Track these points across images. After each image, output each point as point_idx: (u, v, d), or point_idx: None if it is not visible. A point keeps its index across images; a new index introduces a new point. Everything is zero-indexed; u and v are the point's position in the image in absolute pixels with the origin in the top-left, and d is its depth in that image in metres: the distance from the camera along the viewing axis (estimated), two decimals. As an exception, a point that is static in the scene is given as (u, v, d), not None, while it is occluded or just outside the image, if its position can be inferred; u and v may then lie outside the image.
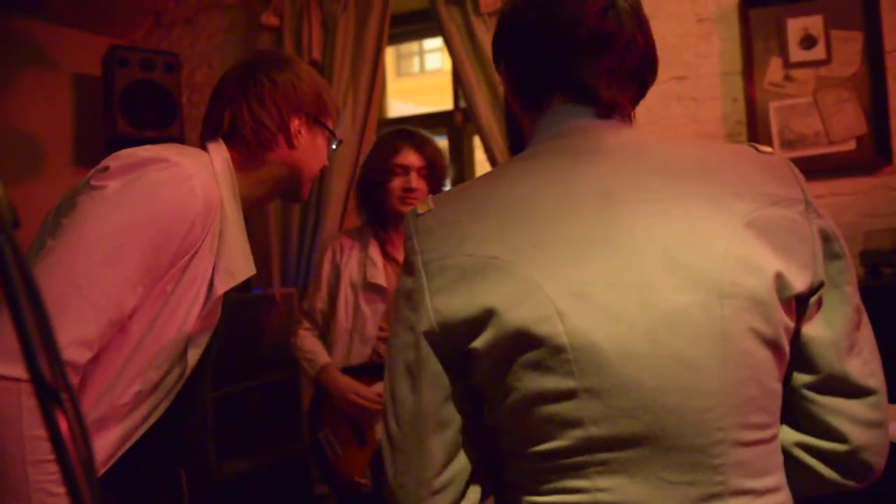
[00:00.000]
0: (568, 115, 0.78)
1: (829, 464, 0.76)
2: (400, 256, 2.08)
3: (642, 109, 2.71)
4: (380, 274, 1.96)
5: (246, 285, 2.58)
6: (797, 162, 2.52)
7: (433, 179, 1.99)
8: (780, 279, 0.69)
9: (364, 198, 2.04)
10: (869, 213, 2.17)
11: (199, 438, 1.27)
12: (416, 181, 1.95)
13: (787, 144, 2.25)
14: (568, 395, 0.68)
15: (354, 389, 1.91)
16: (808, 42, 2.24)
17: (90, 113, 2.98)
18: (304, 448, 2.67)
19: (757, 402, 0.69)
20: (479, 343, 0.70)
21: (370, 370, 1.95)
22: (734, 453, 0.68)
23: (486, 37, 2.48)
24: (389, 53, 4.11)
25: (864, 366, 0.74)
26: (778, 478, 0.73)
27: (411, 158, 1.96)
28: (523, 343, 0.68)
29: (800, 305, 0.73)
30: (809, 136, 2.24)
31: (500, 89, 2.48)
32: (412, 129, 2.06)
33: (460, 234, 0.72)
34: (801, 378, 0.75)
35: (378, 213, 2.02)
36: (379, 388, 1.92)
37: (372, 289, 1.97)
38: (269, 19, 2.79)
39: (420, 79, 7.63)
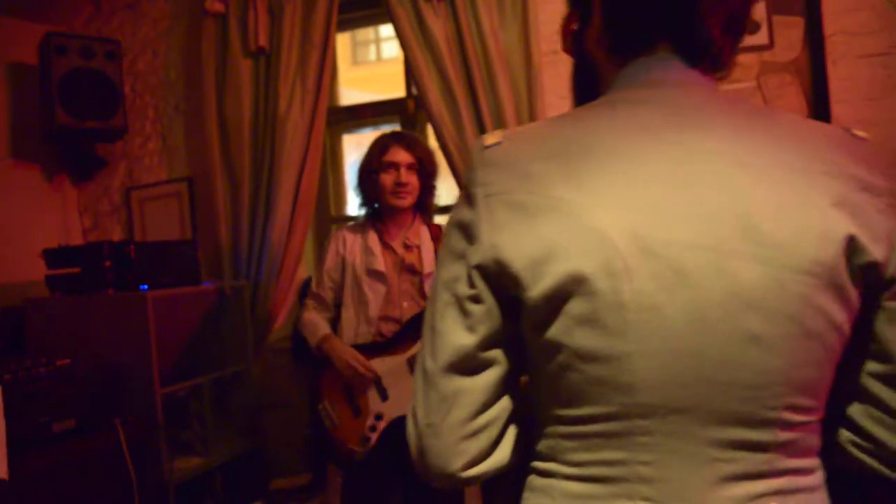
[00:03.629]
0: (663, 65, 0.73)
1: (881, 459, 0.73)
2: (396, 244, 2.16)
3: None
4: (378, 261, 2.14)
5: (195, 278, 2.52)
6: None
7: (424, 175, 2.16)
8: (853, 242, 0.65)
9: (361, 195, 2.23)
10: (811, 194, 2.22)
11: None
12: (406, 176, 2.11)
13: (733, 128, 2.29)
14: (621, 356, 0.65)
15: (353, 355, 2.08)
16: (751, 27, 2.28)
17: (27, 104, 2.87)
18: (257, 443, 2.63)
19: (813, 386, 0.67)
20: (533, 288, 0.66)
21: (374, 348, 2.11)
22: (782, 434, 0.66)
23: (435, 23, 2.46)
24: (345, 42, 4.03)
25: None
26: (817, 459, 0.71)
27: (401, 155, 2.13)
28: (582, 294, 0.64)
29: (871, 293, 0.69)
30: (754, 120, 2.28)
31: (450, 75, 2.47)
32: (402, 131, 2.26)
33: (526, 171, 0.68)
34: (873, 367, 0.72)
35: (375, 209, 2.21)
36: (378, 363, 2.08)
37: (373, 275, 2.14)
38: (214, 5, 2.72)
39: (377, 67, 7.53)
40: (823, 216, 0.64)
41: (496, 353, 0.71)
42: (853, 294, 0.66)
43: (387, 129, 2.63)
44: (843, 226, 0.64)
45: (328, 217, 2.99)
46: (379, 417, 2.04)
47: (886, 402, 0.71)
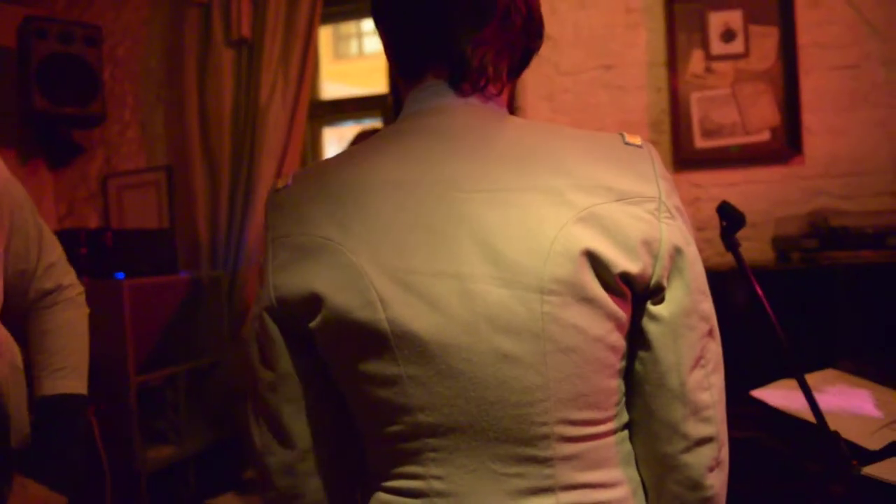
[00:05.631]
0: (430, 93, 0.76)
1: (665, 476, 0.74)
2: None
3: (570, 96, 2.74)
4: None
5: (172, 267, 2.51)
6: (716, 151, 2.58)
7: None
8: (592, 256, 0.66)
9: None
10: (780, 200, 2.29)
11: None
12: None
13: (707, 134, 2.34)
14: (394, 380, 0.69)
15: None
16: (728, 36, 2.33)
17: (4, 87, 2.82)
18: (232, 433, 2.63)
19: (585, 399, 0.69)
20: (313, 324, 0.71)
21: None
22: (562, 448, 0.68)
23: (419, 20, 2.48)
24: (328, 36, 4.04)
25: (704, 378, 0.72)
26: (617, 472, 0.72)
27: None
28: (349, 328, 0.69)
29: (637, 300, 0.71)
30: (727, 126, 2.33)
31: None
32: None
33: (304, 213, 0.73)
34: (640, 373, 0.73)
35: None
36: None
37: None
38: (197, -6, 2.70)
39: (359, 62, 7.51)
40: (562, 234, 0.66)
41: (298, 387, 0.75)
42: (612, 305, 0.68)
43: (367, 123, 2.64)
44: (583, 241, 0.66)
45: (307, 210, 2.99)
46: None
47: (657, 410, 0.72)
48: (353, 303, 0.68)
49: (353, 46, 7.47)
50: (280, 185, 0.77)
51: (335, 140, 3.17)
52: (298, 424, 0.76)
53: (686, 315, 0.71)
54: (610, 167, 0.70)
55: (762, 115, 2.30)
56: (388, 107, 2.87)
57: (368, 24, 5.16)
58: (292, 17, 2.63)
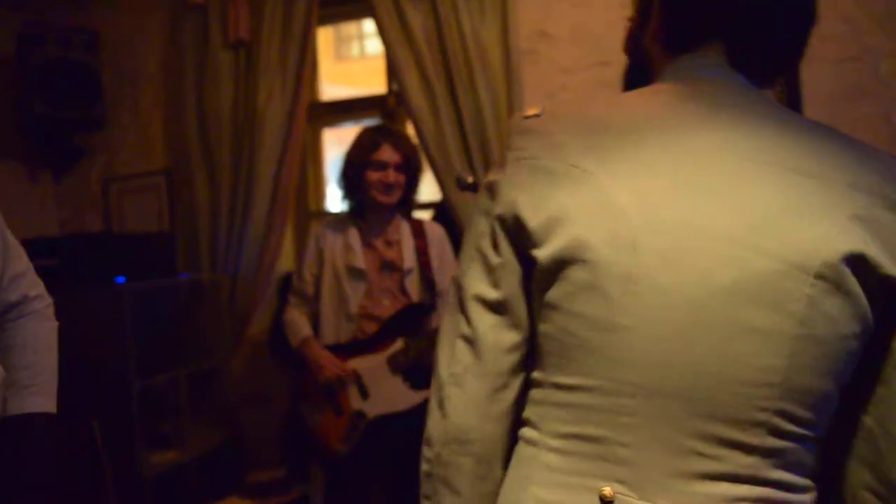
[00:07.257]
0: (701, 63, 0.75)
1: None
2: (377, 241, 2.17)
3: (568, 94, 2.72)
4: (359, 258, 2.15)
5: (172, 270, 2.52)
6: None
7: (409, 173, 2.19)
8: (862, 257, 0.63)
9: (346, 188, 2.23)
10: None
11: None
12: (395, 176, 2.14)
13: (708, 129, 2.32)
14: (618, 329, 0.65)
15: (330, 361, 2.09)
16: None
17: (3, 94, 2.84)
18: (234, 436, 2.63)
19: (811, 396, 0.64)
20: (543, 249, 0.68)
21: (354, 347, 2.12)
22: (771, 441, 0.64)
23: (416, 19, 2.47)
24: (329, 37, 4.03)
25: None
26: (810, 482, 0.68)
27: (390, 154, 2.14)
28: (583, 260, 0.66)
29: (890, 313, 0.67)
30: (728, 121, 2.31)
31: (430, 72, 2.48)
32: (390, 128, 2.28)
33: (555, 141, 0.72)
34: (882, 395, 0.68)
35: (358, 203, 2.20)
36: (358, 362, 2.10)
37: (353, 272, 2.15)
38: (195, -3, 2.71)
39: (360, 63, 7.52)
40: (838, 224, 0.64)
41: (520, 302, 0.73)
42: (866, 306, 0.65)
43: (367, 123, 2.63)
44: (855, 238, 0.64)
45: (308, 212, 3.00)
46: (360, 416, 2.05)
47: None
48: (600, 236, 0.65)
49: (355, 48, 7.48)
50: (529, 112, 0.76)
51: (335, 141, 3.16)
52: (491, 355, 0.73)
53: None
54: (883, 175, 0.68)
55: (762, 110, 2.28)
56: (387, 107, 2.87)
57: (370, 26, 5.15)
58: (289, 18, 2.63)
